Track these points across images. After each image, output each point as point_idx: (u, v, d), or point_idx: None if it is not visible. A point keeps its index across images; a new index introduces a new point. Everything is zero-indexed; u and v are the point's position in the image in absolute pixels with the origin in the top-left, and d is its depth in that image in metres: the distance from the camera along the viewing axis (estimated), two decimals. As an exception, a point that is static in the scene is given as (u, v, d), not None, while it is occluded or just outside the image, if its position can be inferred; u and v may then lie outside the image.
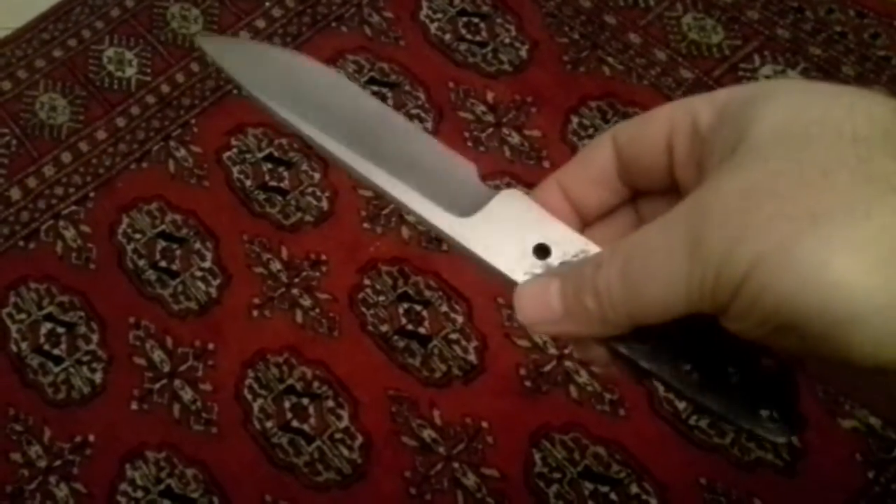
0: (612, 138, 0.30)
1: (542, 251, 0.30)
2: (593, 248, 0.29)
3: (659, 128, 0.28)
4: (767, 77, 0.98)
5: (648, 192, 0.31)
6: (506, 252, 0.30)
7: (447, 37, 1.09)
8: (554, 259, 0.30)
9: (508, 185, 0.95)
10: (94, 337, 0.95)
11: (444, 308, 0.90)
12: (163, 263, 0.99)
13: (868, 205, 0.21)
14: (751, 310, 0.22)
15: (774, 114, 0.23)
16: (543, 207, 0.31)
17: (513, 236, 0.30)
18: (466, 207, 0.31)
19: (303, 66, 0.35)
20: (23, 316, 0.98)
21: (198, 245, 0.99)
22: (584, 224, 0.32)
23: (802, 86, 0.24)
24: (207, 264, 0.98)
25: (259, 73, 0.35)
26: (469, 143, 1.00)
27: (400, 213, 0.96)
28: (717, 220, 0.22)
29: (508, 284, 0.30)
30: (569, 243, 0.30)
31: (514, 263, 0.30)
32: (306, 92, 0.34)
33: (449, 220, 0.31)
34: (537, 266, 0.30)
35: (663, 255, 0.24)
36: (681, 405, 0.82)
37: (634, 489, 0.80)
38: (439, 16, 1.11)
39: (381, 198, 0.97)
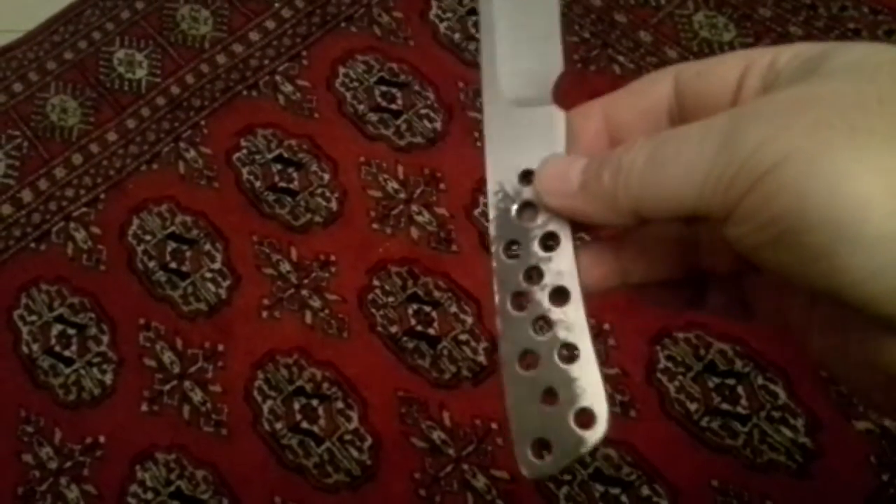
0: (675, 74, 0.29)
1: (526, 179, 0.29)
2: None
3: (733, 65, 0.27)
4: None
5: None
6: (502, 156, 0.30)
7: (456, 36, 1.08)
8: (526, 192, 0.29)
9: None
10: (105, 338, 0.96)
11: (454, 309, 0.90)
12: (173, 265, 0.99)
13: None
14: (760, 209, 0.22)
15: (849, 54, 0.23)
16: (577, 132, 0.30)
17: (519, 149, 0.29)
18: (522, 95, 0.31)
19: None
20: (34, 318, 0.98)
21: (208, 246, 0.99)
22: None
23: (881, 43, 0.25)
24: (217, 265, 0.98)
25: None
26: (479, 143, 0.99)
27: (410, 214, 0.96)
28: (761, 118, 0.22)
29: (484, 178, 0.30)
30: None
31: (499, 169, 0.29)
32: None
33: (496, 94, 0.31)
34: (511, 185, 0.29)
35: (696, 140, 0.24)
36: (692, 406, 0.82)
37: (646, 491, 0.79)
38: (448, 16, 1.10)
39: (390, 198, 0.97)
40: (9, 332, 0.98)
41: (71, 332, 0.97)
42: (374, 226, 0.96)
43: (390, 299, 0.92)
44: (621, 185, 0.25)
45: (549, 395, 0.27)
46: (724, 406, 0.81)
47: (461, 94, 1.04)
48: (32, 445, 0.91)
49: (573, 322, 0.28)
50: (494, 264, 0.29)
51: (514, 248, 0.29)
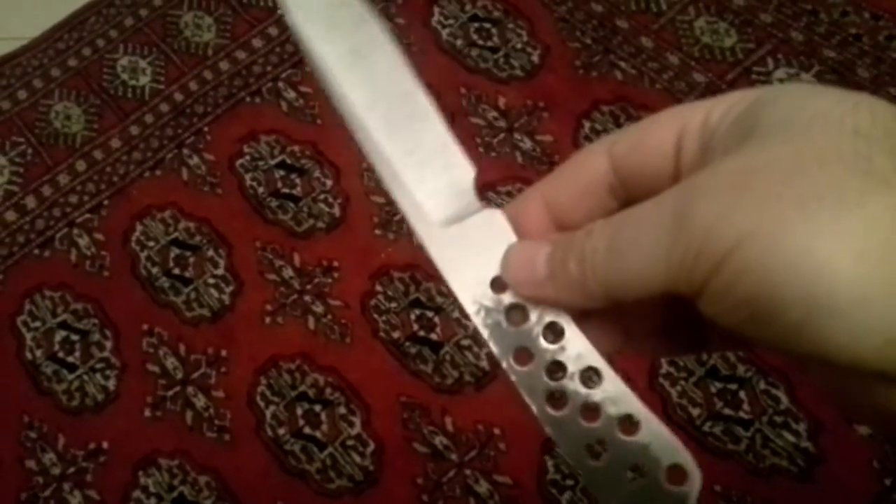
0: (607, 149, 0.29)
1: (498, 285, 0.29)
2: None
3: (666, 131, 0.27)
4: (781, 80, 0.98)
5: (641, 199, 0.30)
6: (464, 275, 0.29)
7: (459, 42, 1.09)
8: (506, 297, 0.28)
9: (509, 196, 0.95)
10: (108, 344, 0.96)
11: (457, 314, 0.90)
12: (176, 271, 0.99)
13: (860, 195, 0.20)
14: (729, 291, 0.22)
15: (780, 107, 0.23)
16: (520, 222, 0.30)
17: (477, 261, 0.29)
18: (449, 213, 0.30)
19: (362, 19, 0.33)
20: (37, 324, 0.98)
21: (211, 252, 0.99)
22: None
23: (811, 86, 0.24)
24: (220, 271, 0.98)
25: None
26: (481, 149, 1.00)
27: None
28: (707, 196, 0.22)
29: (459, 306, 0.29)
30: None
31: (468, 289, 0.29)
32: (351, 42, 0.33)
33: (425, 223, 0.30)
34: (487, 298, 0.29)
35: (650, 224, 0.24)
36: (695, 411, 0.82)
37: (648, 496, 0.79)
38: (451, 21, 1.11)
39: (392, 204, 0.97)
40: (12, 338, 0.98)
41: (74, 338, 0.97)
42: (377, 231, 0.97)
43: (393, 305, 0.92)
44: (588, 273, 0.26)
45: (633, 470, 0.27)
46: (727, 411, 0.81)
47: (463, 99, 1.04)
48: (36, 451, 0.91)
49: (616, 394, 0.28)
50: (513, 378, 0.28)
51: (523, 354, 0.28)
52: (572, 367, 0.28)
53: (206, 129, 1.08)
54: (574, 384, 0.28)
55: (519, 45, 1.07)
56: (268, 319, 0.94)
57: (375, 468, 0.85)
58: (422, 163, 0.31)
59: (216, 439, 0.89)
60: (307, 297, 0.94)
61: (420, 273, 0.93)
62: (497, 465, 0.83)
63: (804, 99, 0.23)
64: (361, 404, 0.88)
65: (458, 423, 0.85)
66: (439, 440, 0.85)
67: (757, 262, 0.21)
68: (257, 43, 1.14)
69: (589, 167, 0.29)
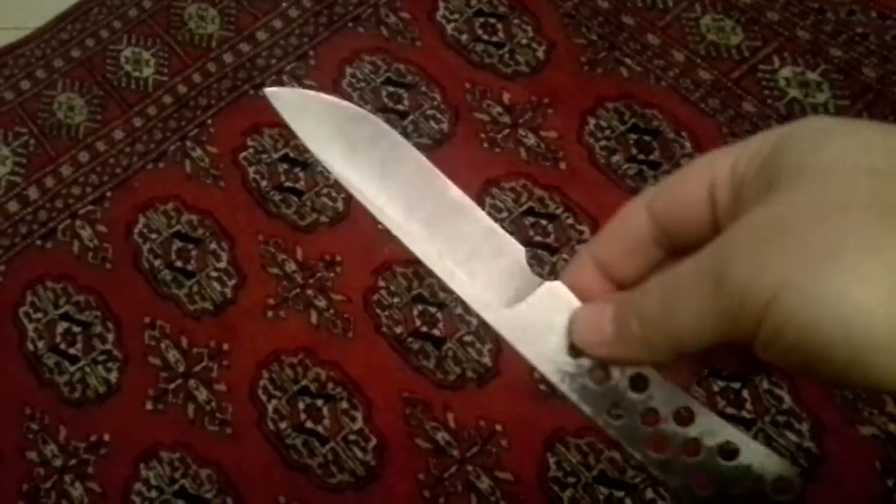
0: (646, 205, 0.30)
1: (576, 350, 0.30)
2: None
3: (699, 183, 0.28)
4: (787, 79, 0.97)
5: (688, 249, 0.31)
6: (541, 348, 0.30)
7: (464, 37, 1.08)
8: (585, 361, 0.30)
9: (513, 192, 0.95)
10: (110, 336, 0.96)
11: (459, 310, 0.90)
12: (178, 263, 0.99)
13: (881, 237, 0.22)
14: (776, 339, 0.23)
15: (797, 152, 0.24)
16: (578, 286, 0.31)
17: (551, 332, 0.30)
18: (510, 294, 0.31)
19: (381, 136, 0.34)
20: (39, 315, 0.98)
21: (213, 245, 0.99)
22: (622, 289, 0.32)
23: (825, 124, 0.25)
24: (223, 264, 0.98)
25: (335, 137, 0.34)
26: (485, 145, 1.00)
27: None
28: (742, 250, 0.24)
29: (544, 378, 0.31)
30: None
31: (548, 361, 0.30)
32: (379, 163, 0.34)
33: (493, 310, 0.31)
34: (569, 365, 0.30)
35: (693, 284, 0.25)
36: (697, 410, 0.81)
37: (650, 494, 0.79)
38: (456, 16, 1.10)
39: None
40: (14, 329, 0.98)
41: (76, 329, 0.97)
42: (380, 226, 0.95)
43: (395, 300, 0.92)
44: (650, 332, 0.27)
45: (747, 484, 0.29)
46: (729, 410, 0.81)
47: (468, 95, 1.04)
48: (37, 443, 0.91)
49: (710, 426, 0.29)
50: (612, 433, 0.30)
51: (615, 410, 0.30)
52: (664, 411, 0.29)
53: (209, 121, 1.08)
54: (670, 426, 0.29)
55: (524, 41, 1.07)
56: (270, 313, 0.94)
57: (377, 463, 0.85)
58: (473, 253, 0.32)
59: (218, 433, 0.89)
60: (310, 292, 0.94)
61: (423, 268, 0.93)
62: (499, 461, 0.83)
63: (819, 140, 0.24)
64: (363, 399, 0.87)
65: (459, 419, 0.85)
66: (441, 436, 0.85)
67: (795, 313, 0.22)
68: (261, 35, 1.14)
69: (631, 224, 0.31)
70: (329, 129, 0.34)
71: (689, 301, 0.25)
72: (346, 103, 0.35)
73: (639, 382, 0.29)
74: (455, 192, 0.33)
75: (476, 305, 0.31)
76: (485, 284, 0.32)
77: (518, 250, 0.33)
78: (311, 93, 0.35)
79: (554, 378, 0.30)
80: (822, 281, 0.22)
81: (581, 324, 0.30)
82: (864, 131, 0.24)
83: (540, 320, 0.30)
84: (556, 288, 0.31)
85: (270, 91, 0.35)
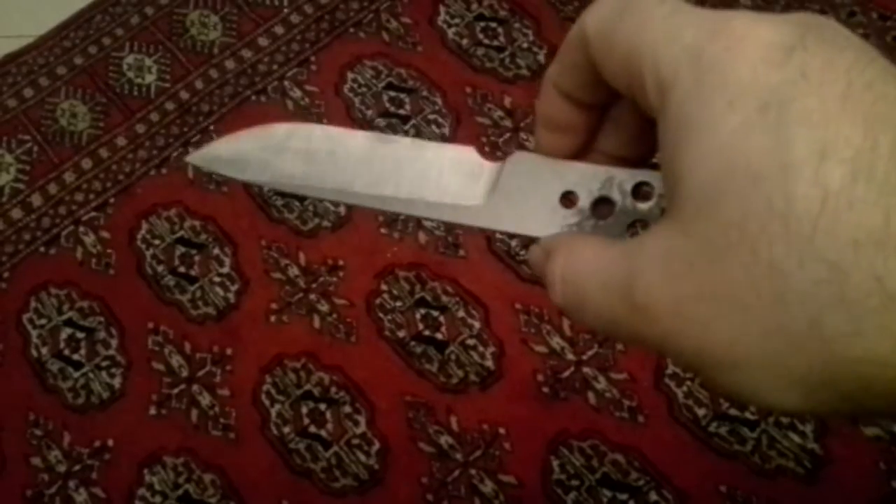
0: (583, 41, 0.26)
1: (568, 200, 0.29)
2: (617, 174, 0.28)
3: (619, 61, 0.24)
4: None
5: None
6: (536, 217, 0.29)
7: (465, 42, 1.09)
8: (583, 201, 0.29)
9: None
10: (114, 342, 0.96)
11: (461, 313, 0.90)
12: (181, 269, 0.99)
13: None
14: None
15: (702, 164, 0.21)
16: (549, 117, 0.29)
17: (536, 199, 0.29)
18: (480, 189, 0.30)
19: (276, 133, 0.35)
20: (43, 321, 0.98)
21: (216, 251, 0.99)
22: (597, 120, 0.29)
23: (734, 124, 0.21)
24: (226, 270, 0.98)
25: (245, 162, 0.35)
26: (486, 148, 1.00)
27: (418, 219, 0.96)
28: (649, 276, 0.22)
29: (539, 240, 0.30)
30: (591, 180, 0.29)
31: (547, 224, 0.29)
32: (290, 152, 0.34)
33: (470, 213, 0.30)
34: (569, 216, 0.29)
35: (601, 288, 0.24)
36: (700, 412, 0.81)
37: (654, 497, 0.79)
38: (457, 21, 1.11)
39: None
40: (18, 335, 0.98)
41: (80, 335, 0.97)
42: (382, 230, 0.97)
43: (398, 304, 0.92)
44: (556, 302, 0.26)
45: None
46: (733, 411, 0.81)
47: (469, 99, 1.04)
48: (41, 448, 0.91)
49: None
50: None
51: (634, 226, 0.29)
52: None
53: (211, 127, 1.08)
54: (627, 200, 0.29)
55: (525, 45, 1.07)
56: (273, 318, 0.94)
57: (380, 467, 0.85)
58: (431, 180, 0.32)
59: (221, 438, 0.89)
60: (312, 296, 0.94)
61: (425, 272, 0.93)
62: (502, 464, 0.83)
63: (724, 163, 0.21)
64: (366, 403, 0.88)
65: (463, 423, 0.85)
66: (444, 440, 0.85)
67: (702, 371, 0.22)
68: (263, 41, 1.15)
69: (574, 57, 0.27)
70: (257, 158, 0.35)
71: (596, 301, 0.24)
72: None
73: (640, 193, 0.28)
74: (362, 134, 0.33)
75: (461, 219, 0.30)
76: (456, 198, 0.31)
77: (468, 150, 0.32)
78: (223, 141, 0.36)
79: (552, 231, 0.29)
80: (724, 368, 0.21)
81: (530, 256, 0.29)
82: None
83: (521, 194, 0.30)
84: (521, 158, 0.30)
85: (193, 157, 0.36)
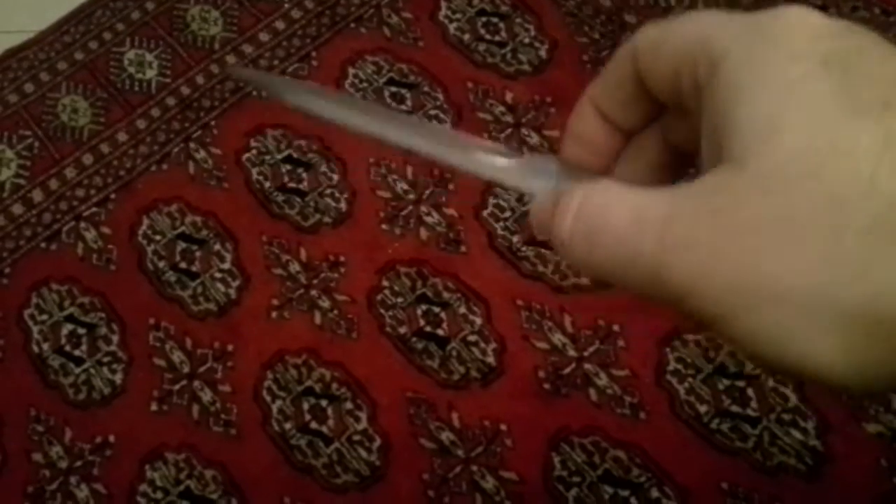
0: (632, 54, 0.27)
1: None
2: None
3: (669, 58, 0.25)
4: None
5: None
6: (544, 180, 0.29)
7: (466, 37, 1.08)
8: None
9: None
10: (115, 338, 0.96)
11: (463, 310, 0.90)
12: (182, 265, 0.99)
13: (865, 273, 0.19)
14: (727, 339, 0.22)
15: (762, 107, 0.21)
16: (583, 138, 0.30)
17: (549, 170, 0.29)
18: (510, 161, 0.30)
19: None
20: (44, 317, 0.98)
21: (217, 246, 0.99)
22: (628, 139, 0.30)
23: (793, 74, 0.21)
24: (227, 266, 0.98)
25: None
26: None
27: (419, 215, 0.96)
28: (686, 256, 0.21)
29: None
30: None
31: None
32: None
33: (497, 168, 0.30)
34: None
35: (628, 258, 0.23)
36: (702, 408, 0.81)
37: (655, 493, 0.79)
38: (458, 16, 1.10)
39: (399, 199, 0.97)
40: (19, 331, 0.98)
41: (81, 331, 0.97)
42: (384, 226, 0.96)
43: (399, 300, 0.92)
44: (566, 257, 0.25)
45: None
46: (734, 408, 0.81)
47: (470, 94, 1.03)
48: (42, 444, 0.91)
49: None
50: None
51: None
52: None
53: (212, 122, 1.08)
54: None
55: (527, 40, 1.07)
56: (274, 314, 0.94)
57: (381, 463, 0.85)
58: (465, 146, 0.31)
59: (222, 433, 0.89)
60: (314, 292, 0.94)
61: (427, 268, 0.93)
62: (503, 461, 0.83)
63: (776, 117, 0.21)
64: (368, 399, 0.87)
65: (464, 419, 0.85)
66: (445, 436, 0.85)
67: (753, 344, 0.21)
68: (264, 37, 1.14)
69: (620, 73, 0.27)
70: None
71: (619, 261, 0.23)
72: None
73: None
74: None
75: (480, 168, 0.30)
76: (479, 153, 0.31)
77: (499, 147, 0.31)
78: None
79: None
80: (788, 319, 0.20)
81: (532, 213, 0.28)
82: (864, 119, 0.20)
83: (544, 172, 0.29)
84: (543, 157, 0.30)
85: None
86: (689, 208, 0.21)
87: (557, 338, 0.87)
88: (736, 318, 0.21)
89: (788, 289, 0.20)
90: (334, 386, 0.89)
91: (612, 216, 0.23)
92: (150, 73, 1.14)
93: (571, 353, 0.86)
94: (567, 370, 0.85)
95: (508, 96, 1.03)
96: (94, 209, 1.05)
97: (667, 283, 0.22)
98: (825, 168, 0.19)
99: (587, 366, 0.85)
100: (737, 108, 0.22)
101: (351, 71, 1.08)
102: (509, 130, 1.00)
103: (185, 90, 1.12)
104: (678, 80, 0.25)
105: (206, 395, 0.91)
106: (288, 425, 0.88)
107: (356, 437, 0.86)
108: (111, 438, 0.91)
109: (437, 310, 0.91)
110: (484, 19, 1.10)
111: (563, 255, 0.25)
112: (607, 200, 0.24)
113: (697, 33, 0.24)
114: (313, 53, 1.11)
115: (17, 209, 1.06)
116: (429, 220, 0.96)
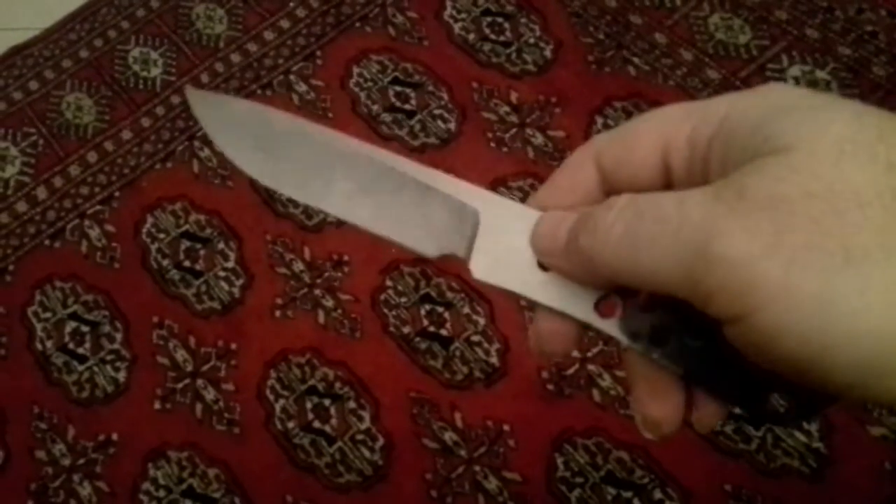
0: (594, 158, 0.28)
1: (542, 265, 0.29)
2: None
3: (651, 149, 0.26)
4: (796, 78, 0.97)
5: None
6: (514, 273, 0.29)
7: (471, 37, 1.08)
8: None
9: (520, 191, 0.95)
10: (118, 336, 0.96)
11: (466, 310, 0.90)
12: (186, 263, 0.99)
13: None
14: (756, 339, 0.21)
15: (796, 122, 0.21)
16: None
17: (516, 252, 0.29)
18: (463, 233, 0.30)
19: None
20: (48, 315, 0.98)
21: (221, 245, 0.99)
22: None
23: (820, 100, 0.22)
24: (231, 264, 0.98)
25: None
26: (492, 144, 0.99)
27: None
28: (735, 226, 0.21)
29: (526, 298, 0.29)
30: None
31: (523, 281, 0.29)
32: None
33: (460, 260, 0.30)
34: (541, 279, 0.28)
35: (671, 234, 0.22)
36: (705, 410, 0.81)
37: (658, 495, 0.79)
38: (463, 16, 1.10)
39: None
40: (23, 328, 0.98)
41: (84, 329, 0.97)
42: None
43: (403, 300, 0.92)
44: (597, 253, 0.25)
45: None
46: (738, 410, 0.81)
47: (475, 94, 1.03)
48: (45, 442, 0.91)
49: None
50: (612, 332, 0.28)
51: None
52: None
53: (217, 121, 1.08)
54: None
55: (532, 40, 1.07)
56: (278, 313, 0.94)
57: (384, 463, 0.85)
58: (422, 225, 0.31)
59: (225, 432, 0.89)
60: (317, 291, 0.94)
61: (430, 268, 0.93)
62: (506, 461, 0.83)
63: (818, 115, 0.21)
64: (371, 399, 0.87)
65: (467, 419, 0.85)
66: (448, 436, 0.85)
67: (792, 323, 0.20)
68: (269, 35, 1.14)
69: (579, 176, 0.28)
70: (248, 140, 0.33)
71: (662, 247, 0.22)
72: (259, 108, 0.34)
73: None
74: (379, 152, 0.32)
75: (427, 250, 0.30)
76: (431, 234, 0.31)
77: (442, 193, 0.31)
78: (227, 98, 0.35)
79: (533, 296, 0.28)
80: (837, 293, 0.19)
81: (540, 227, 0.28)
82: (871, 116, 0.21)
83: (501, 245, 0.29)
84: (505, 206, 0.29)
85: (191, 92, 0.35)
86: (732, 223, 0.21)
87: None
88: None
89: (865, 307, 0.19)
90: (337, 385, 0.89)
91: (661, 198, 0.23)
92: (155, 71, 1.14)
93: (575, 353, 0.86)
94: (570, 371, 0.85)
95: (513, 96, 1.03)
96: (98, 207, 1.05)
97: (714, 252, 0.21)
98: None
99: (590, 366, 0.85)
100: (772, 123, 0.22)
101: (356, 70, 1.08)
102: (514, 130, 1.00)
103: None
104: (667, 157, 0.26)
105: (210, 394, 0.91)
106: (291, 424, 0.88)
107: (359, 437, 0.86)
108: (114, 436, 0.91)
109: (440, 310, 0.91)
110: (489, 19, 1.09)
111: (586, 257, 0.25)
112: (654, 195, 0.24)
113: (671, 114, 0.27)
114: (318, 52, 1.11)
115: (22, 206, 1.06)
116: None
